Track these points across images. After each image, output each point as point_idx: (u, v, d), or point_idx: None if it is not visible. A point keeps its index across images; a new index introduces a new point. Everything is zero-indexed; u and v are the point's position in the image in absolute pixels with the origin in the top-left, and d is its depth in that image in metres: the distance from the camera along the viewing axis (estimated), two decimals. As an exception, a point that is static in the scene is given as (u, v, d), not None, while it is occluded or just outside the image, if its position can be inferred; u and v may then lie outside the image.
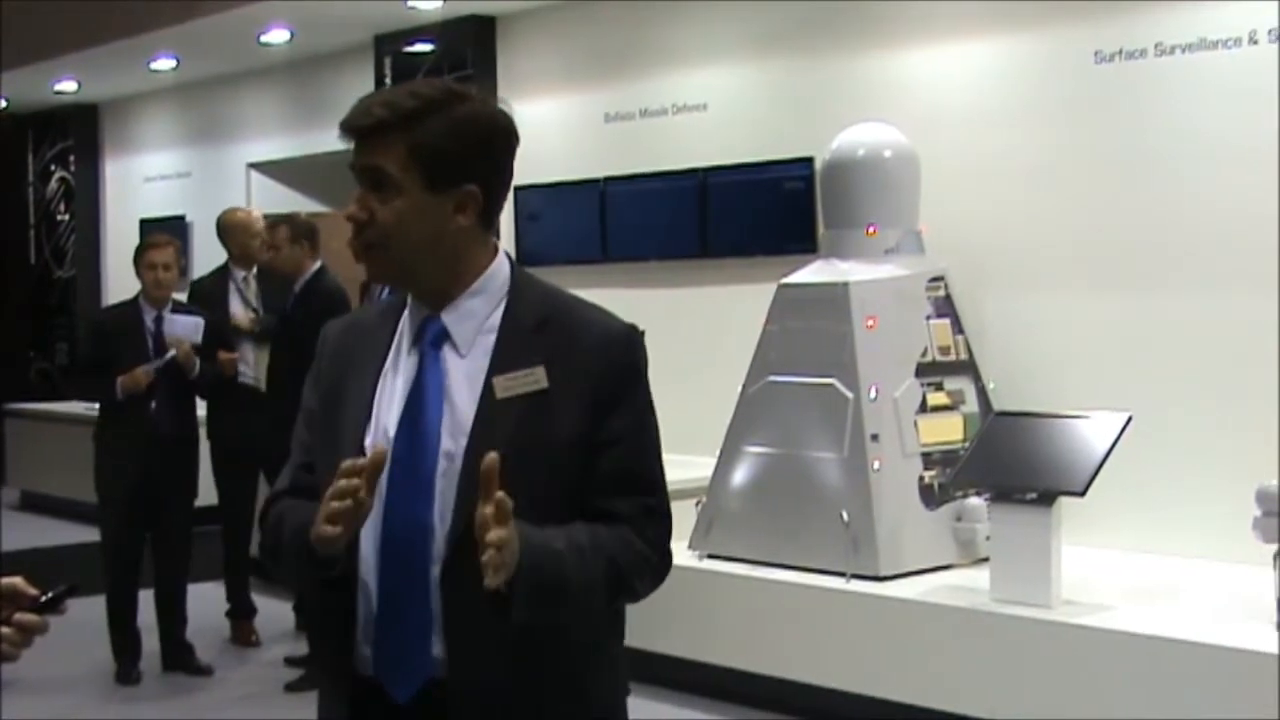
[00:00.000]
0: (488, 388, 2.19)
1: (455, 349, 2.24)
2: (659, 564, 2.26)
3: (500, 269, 2.28)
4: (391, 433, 2.21)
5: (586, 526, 2.17)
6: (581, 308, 2.29)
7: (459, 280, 2.24)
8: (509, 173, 2.28)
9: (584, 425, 2.18)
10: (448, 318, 2.24)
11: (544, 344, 2.21)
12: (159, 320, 6.59)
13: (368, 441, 2.22)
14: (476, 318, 2.24)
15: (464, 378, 2.22)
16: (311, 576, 2.18)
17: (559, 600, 2.11)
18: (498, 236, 2.33)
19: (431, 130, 2.17)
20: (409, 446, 2.19)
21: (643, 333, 2.31)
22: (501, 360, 2.21)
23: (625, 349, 2.24)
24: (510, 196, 2.48)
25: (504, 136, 2.24)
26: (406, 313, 2.30)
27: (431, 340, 2.25)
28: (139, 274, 6.66)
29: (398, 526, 2.18)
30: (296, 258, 6.81)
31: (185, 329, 6.58)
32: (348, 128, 2.23)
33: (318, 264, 6.86)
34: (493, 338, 2.24)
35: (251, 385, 7.24)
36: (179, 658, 6.77)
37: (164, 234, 7.13)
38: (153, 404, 6.52)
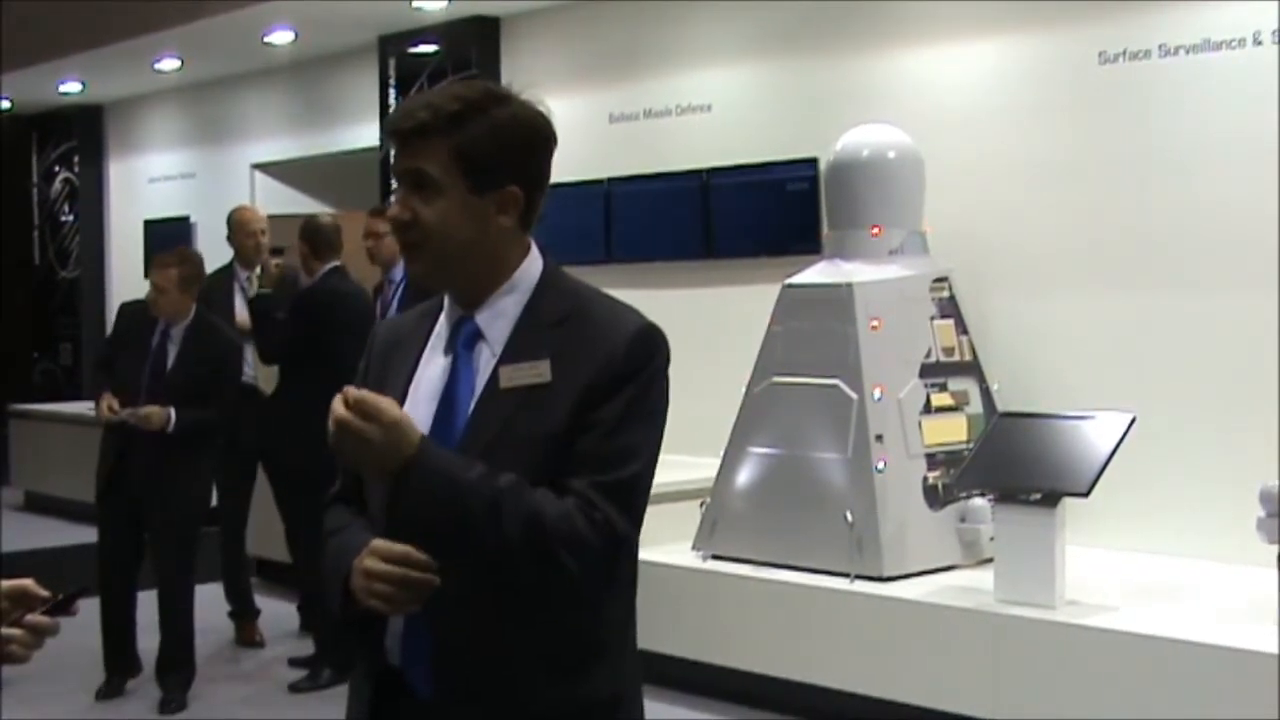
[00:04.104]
0: (494, 377, 2.22)
1: (490, 348, 2.26)
2: (599, 546, 2.14)
3: (532, 266, 2.30)
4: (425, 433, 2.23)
5: (518, 479, 2.13)
6: (603, 306, 2.28)
7: (494, 280, 2.27)
8: (548, 174, 2.32)
9: (573, 417, 2.18)
10: (481, 318, 2.27)
11: (557, 339, 2.22)
12: (165, 334, 6.27)
13: None
14: (508, 316, 2.26)
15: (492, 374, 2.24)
16: (345, 612, 2.21)
17: (447, 514, 2.11)
18: None
19: (473, 133, 2.21)
20: (441, 446, 2.20)
21: (663, 334, 2.28)
22: (513, 352, 2.23)
23: (631, 347, 2.21)
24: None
25: (544, 139, 2.29)
26: (444, 313, 2.33)
27: (465, 341, 2.27)
28: None
29: None
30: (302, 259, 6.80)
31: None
32: (391, 130, 2.27)
33: (329, 265, 6.82)
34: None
35: (251, 385, 7.23)
36: (161, 678, 6.39)
37: (177, 252, 6.56)
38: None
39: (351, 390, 2.13)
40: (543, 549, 2.11)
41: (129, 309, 6.58)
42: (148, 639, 6.46)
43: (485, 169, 2.21)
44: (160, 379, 6.21)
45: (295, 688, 6.57)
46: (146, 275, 6.54)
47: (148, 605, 6.45)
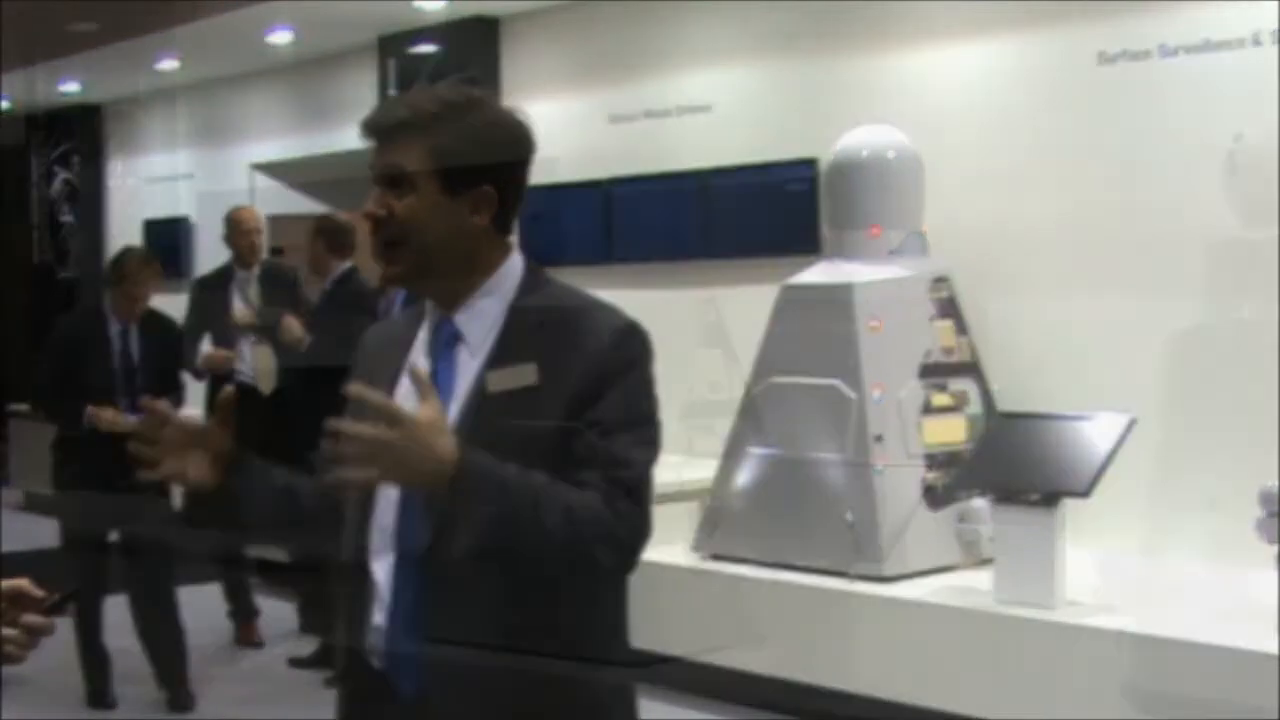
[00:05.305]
0: (480, 382, 2.22)
1: (469, 349, 2.26)
2: (626, 540, 2.15)
3: (512, 268, 2.30)
4: None
5: (550, 477, 2.12)
6: (585, 306, 2.29)
7: (471, 281, 2.27)
8: (525, 178, 2.32)
9: (565, 418, 2.18)
10: (460, 319, 2.27)
11: (541, 341, 2.22)
12: (125, 334, 6.23)
13: None
14: (488, 317, 2.26)
15: (474, 377, 2.24)
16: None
17: (494, 512, 2.07)
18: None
19: (450, 133, 2.22)
20: None
21: (645, 331, 2.29)
22: (499, 356, 2.23)
23: (616, 344, 2.22)
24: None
25: (521, 142, 2.30)
26: (426, 317, 2.33)
27: (445, 342, 2.27)
28: (116, 287, 6.27)
29: (408, 525, 2.20)
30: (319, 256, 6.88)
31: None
32: (369, 127, 2.27)
33: (347, 265, 6.88)
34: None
35: (248, 384, 7.23)
36: (163, 678, 6.36)
37: (139, 257, 6.45)
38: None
39: (373, 396, 2.07)
40: (576, 542, 2.11)
41: (63, 327, 6.57)
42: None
43: (461, 169, 2.22)
44: (132, 376, 6.19)
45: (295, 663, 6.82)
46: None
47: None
